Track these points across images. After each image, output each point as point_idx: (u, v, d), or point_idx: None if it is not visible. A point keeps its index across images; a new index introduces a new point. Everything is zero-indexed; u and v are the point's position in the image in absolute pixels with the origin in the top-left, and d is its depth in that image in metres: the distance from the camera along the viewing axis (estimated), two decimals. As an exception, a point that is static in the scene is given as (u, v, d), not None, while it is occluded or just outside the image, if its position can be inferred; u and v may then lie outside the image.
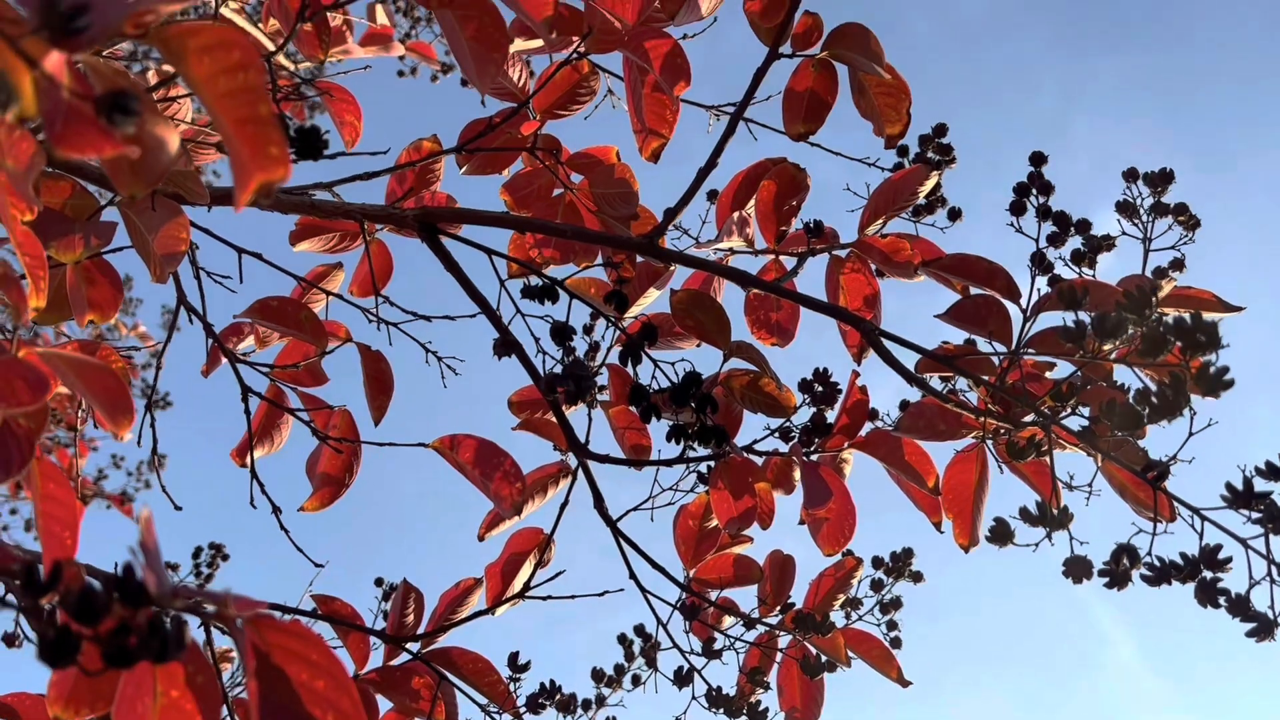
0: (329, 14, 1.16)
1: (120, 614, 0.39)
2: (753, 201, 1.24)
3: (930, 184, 1.18)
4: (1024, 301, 1.02)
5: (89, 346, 0.94)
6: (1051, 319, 1.04)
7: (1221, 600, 0.83)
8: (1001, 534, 0.88)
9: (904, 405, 1.29)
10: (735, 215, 1.20)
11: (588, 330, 1.26)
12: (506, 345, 0.97)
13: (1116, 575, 0.87)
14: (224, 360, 1.16)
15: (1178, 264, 1.20)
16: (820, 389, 1.23)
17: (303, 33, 1.03)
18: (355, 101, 1.18)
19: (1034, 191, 1.07)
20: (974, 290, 1.04)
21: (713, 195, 1.38)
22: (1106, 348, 0.85)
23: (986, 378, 1.00)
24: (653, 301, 1.26)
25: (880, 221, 1.23)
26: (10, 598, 0.55)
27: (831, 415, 1.22)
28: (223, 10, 1.01)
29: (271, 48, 1.36)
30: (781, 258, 1.25)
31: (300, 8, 0.85)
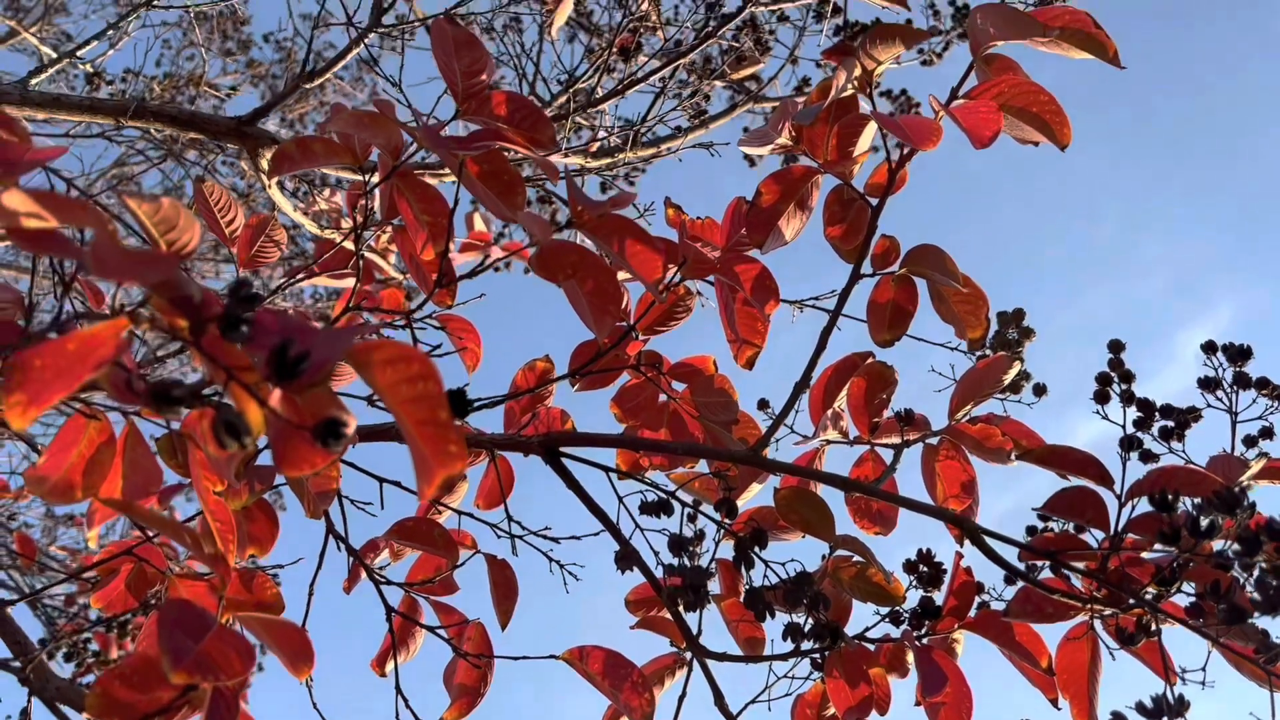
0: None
1: None
2: (844, 394, 1.32)
3: (1014, 371, 1.24)
4: (1118, 487, 1.06)
5: (247, 576, 1.04)
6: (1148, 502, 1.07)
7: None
8: (1121, 728, 0.90)
9: (1008, 579, 1.32)
10: (829, 411, 1.28)
11: (691, 519, 1.33)
12: (627, 558, 1.05)
13: (1242, 765, 0.88)
14: (362, 576, 1.25)
15: (1267, 432, 1.23)
16: (925, 570, 1.27)
17: (430, 282, 1.15)
18: (475, 330, 1.30)
19: (1117, 379, 1.13)
20: (1070, 479, 1.09)
21: (803, 386, 1.46)
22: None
23: (1088, 565, 1.04)
24: (755, 495, 1.33)
25: (969, 406, 1.29)
26: None
27: (939, 596, 1.25)
28: (367, 255, 1.13)
29: (393, 272, 1.50)
30: (876, 447, 1.31)
31: (438, 277, 0.96)
